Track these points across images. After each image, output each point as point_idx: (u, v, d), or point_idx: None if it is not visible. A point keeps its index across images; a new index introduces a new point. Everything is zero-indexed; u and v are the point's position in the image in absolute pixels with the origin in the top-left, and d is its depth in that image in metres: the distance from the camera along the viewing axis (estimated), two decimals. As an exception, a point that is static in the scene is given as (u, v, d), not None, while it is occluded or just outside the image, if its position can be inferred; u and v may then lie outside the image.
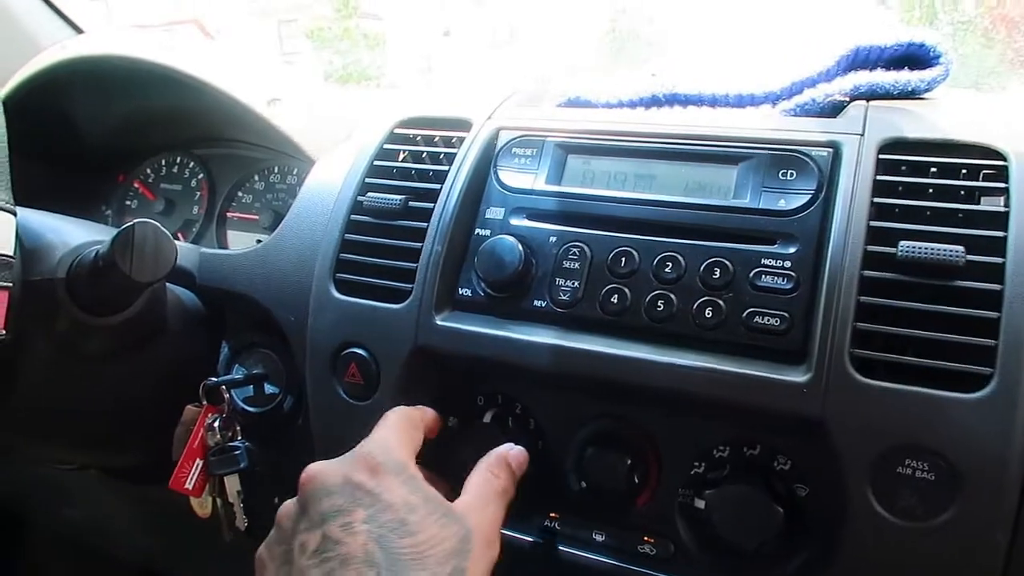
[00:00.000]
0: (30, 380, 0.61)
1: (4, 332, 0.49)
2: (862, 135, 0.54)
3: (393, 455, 0.49)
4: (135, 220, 0.56)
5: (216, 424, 0.68)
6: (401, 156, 0.66)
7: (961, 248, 0.47)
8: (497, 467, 0.53)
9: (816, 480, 0.52)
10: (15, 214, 0.48)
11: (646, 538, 0.56)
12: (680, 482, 0.56)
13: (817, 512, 0.51)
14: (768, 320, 0.51)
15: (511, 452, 0.55)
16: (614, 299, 0.55)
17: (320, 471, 0.48)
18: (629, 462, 0.55)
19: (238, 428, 0.70)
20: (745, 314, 0.51)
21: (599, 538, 0.57)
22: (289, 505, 0.50)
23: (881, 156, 0.52)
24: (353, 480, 0.47)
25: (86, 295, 0.60)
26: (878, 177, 0.51)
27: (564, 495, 0.58)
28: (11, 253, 0.48)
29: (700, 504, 0.54)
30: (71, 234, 0.63)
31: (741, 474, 0.53)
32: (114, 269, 0.55)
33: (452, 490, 0.51)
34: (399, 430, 0.53)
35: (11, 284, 0.48)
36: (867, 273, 0.49)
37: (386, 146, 0.67)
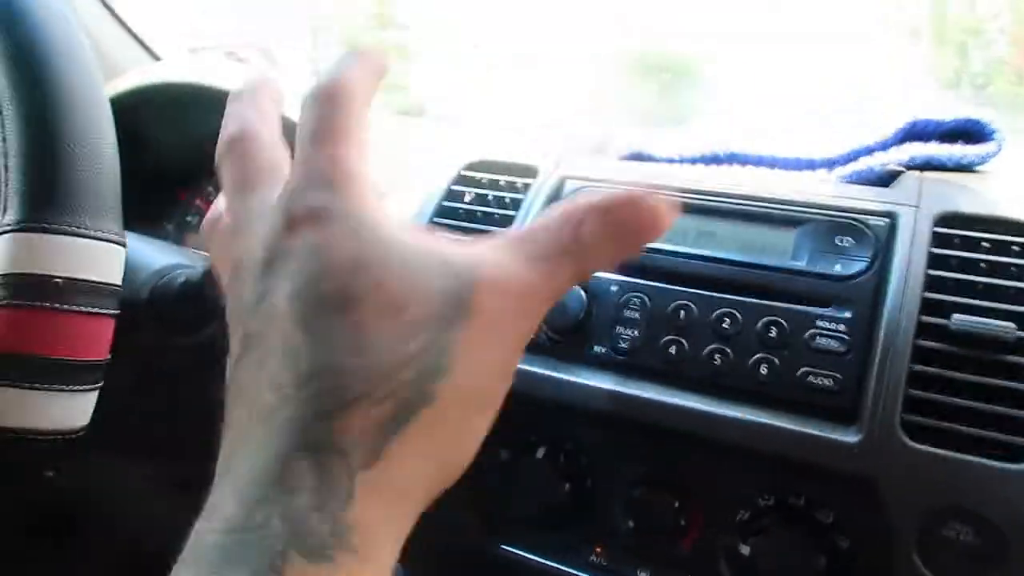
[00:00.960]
0: (112, 400, 0.64)
1: (109, 357, 0.52)
2: (917, 207, 0.56)
3: (342, 192, 0.30)
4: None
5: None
6: (468, 198, 0.70)
7: (1012, 324, 0.49)
8: (583, 212, 0.32)
9: (858, 534, 0.54)
10: (125, 246, 0.52)
11: (690, 579, 0.59)
12: (726, 527, 0.58)
13: (858, 565, 0.54)
14: (821, 380, 0.53)
15: (627, 198, 0.32)
16: (672, 349, 0.58)
17: (254, 231, 0.32)
18: (677, 504, 0.58)
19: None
20: (799, 372, 0.54)
21: (644, 575, 0.60)
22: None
23: (936, 229, 0.55)
24: (279, 243, 0.30)
25: (169, 316, 0.63)
26: (932, 250, 0.54)
27: (612, 532, 0.61)
28: (119, 283, 0.52)
29: (745, 550, 0.56)
30: (153, 256, 0.66)
31: (786, 523, 0.56)
32: (201, 294, 0.59)
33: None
34: (343, 137, 0.31)
35: (117, 311, 0.52)
36: (920, 342, 0.51)
37: (453, 187, 0.71)
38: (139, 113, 0.93)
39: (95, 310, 0.49)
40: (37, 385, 0.46)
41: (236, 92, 0.39)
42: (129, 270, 0.64)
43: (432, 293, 0.28)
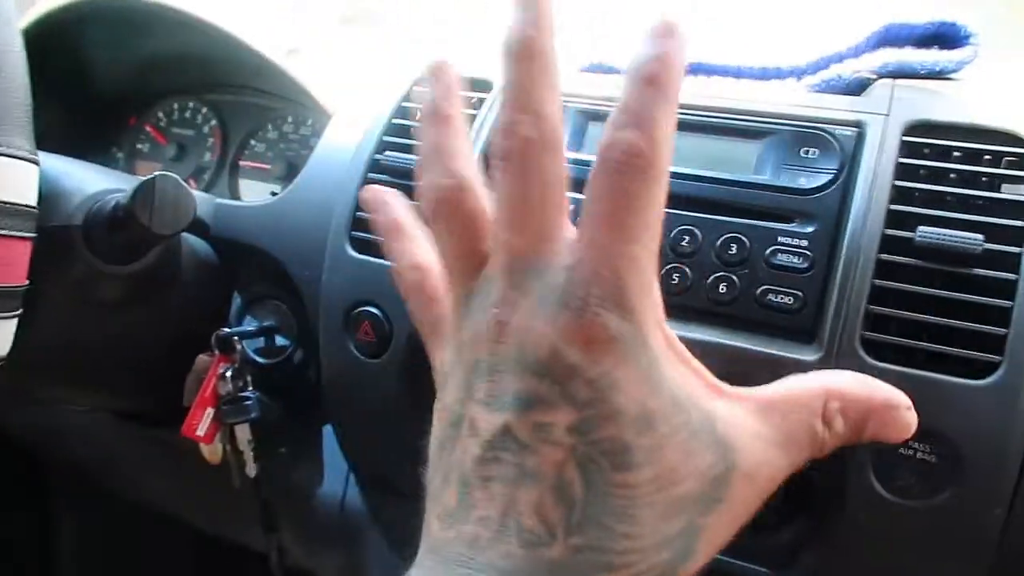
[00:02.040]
0: (44, 325, 0.62)
1: (27, 283, 0.49)
2: (887, 115, 0.53)
3: (635, 315, 0.28)
4: (155, 173, 0.56)
5: (228, 374, 0.69)
6: (419, 115, 0.66)
7: (980, 236, 0.47)
8: (837, 408, 0.31)
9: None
10: (38, 164, 0.48)
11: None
12: (684, 451, 0.57)
13: (815, 485, 0.53)
14: (782, 298, 0.51)
15: (896, 408, 0.32)
16: (629, 270, 0.55)
17: (524, 325, 0.29)
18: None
19: (249, 379, 0.71)
20: (759, 291, 0.52)
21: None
22: (482, 328, 0.30)
23: (905, 138, 0.52)
24: (565, 359, 0.27)
25: (102, 243, 0.60)
26: (900, 160, 0.51)
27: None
28: (34, 204, 0.48)
29: (703, 473, 0.55)
30: (88, 180, 0.63)
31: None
32: (133, 221, 0.55)
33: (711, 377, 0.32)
34: (647, 231, 0.28)
35: (34, 235, 0.49)
36: (883, 257, 0.49)
37: (404, 104, 0.67)
38: (77, 32, 0.88)
39: (7, 232, 0.45)
40: (-58, 312, 0.43)
41: (425, 110, 0.35)
42: (62, 196, 0.60)
43: (701, 471, 0.28)
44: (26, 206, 0.47)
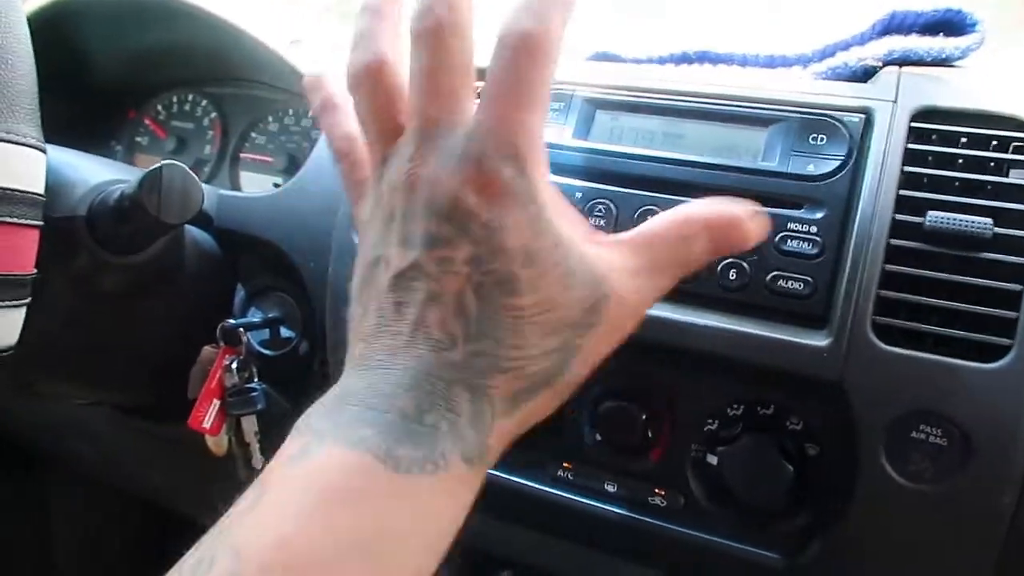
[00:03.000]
0: (47, 316, 0.61)
1: (35, 271, 0.49)
2: (895, 102, 0.53)
3: (526, 169, 0.34)
4: (163, 161, 0.55)
5: (233, 365, 0.69)
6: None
7: (989, 220, 0.48)
8: (696, 232, 0.38)
9: (827, 441, 0.53)
10: (46, 152, 0.48)
11: (657, 490, 0.58)
12: (693, 438, 0.57)
13: (826, 472, 0.53)
14: (792, 284, 0.51)
15: (743, 212, 0.39)
16: (638, 257, 0.55)
17: (432, 176, 0.35)
18: (644, 416, 0.57)
19: (254, 370, 0.70)
20: (769, 277, 0.52)
21: (611, 488, 0.59)
22: (395, 181, 0.36)
23: (913, 124, 0.52)
24: (464, 206, 0.34)
25: (107, 234, 0.60)
26: (909, 145, 0.51)
27: (579, 447, 0.60)
28: (41, 192, 0.48)
29: (712, 460, 0.55)
30: (91, 171, 0.62)
31: (753, 432, 0.55)
32: (139, 209, 0.55)
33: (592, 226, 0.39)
34: (531, 106, 0.34)
35: (42, 223, 0.48)
36: (894, 242, 0.49)
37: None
38: (75, 24, 0.87)
39: (14, 220, 0.45)
40: (-49, 300, 0.43)
41: (363, 5, 0.39)
42: (66, 187, 0.60)
43: (576, 300, 0.35)
44: (34, 194, 0.47)
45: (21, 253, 0.47)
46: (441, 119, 0.35)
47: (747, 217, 0.39)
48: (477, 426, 0.33)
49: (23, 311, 0.49)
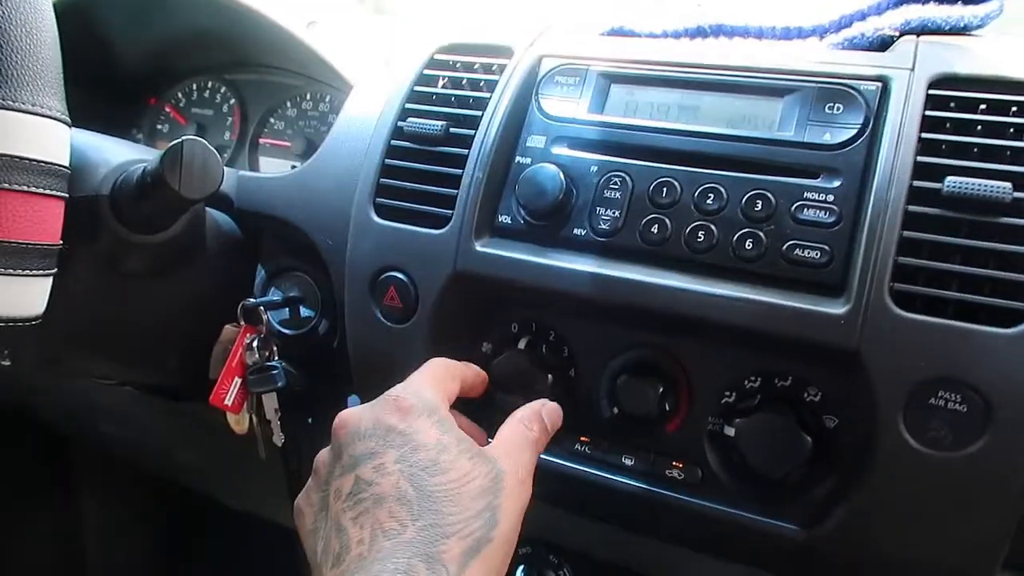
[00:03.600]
0: (72, 294, 0.62)
1: (61, 242, 0.50)
2: (912, 70, 0.53)
3: (424, 397, 0.49)
4: (183, 137, 0.56)
5: (254, 344, 0.70)
6: (441, 83, 0.66)
7: (1008, 185, 0.47)
8: (531, 420, 0.53)
9: (845, 411, 0.53)
10: (70, 125, 0.49)
11: (675, 463, 0.58)
12: (710, 410, 0.57)
13: (844, 442, 0.53)
14: (809, 253, 0.51)
15: (546, 407, 0.55)
16: (654, 229, 0.55)
17: (351, 416, 0.49)
18: (661, 389, 0.57)
19: (275, 349, 0.71)
20: (785, 247, 0.52)
21: (628, 462, 0.59)
22: (324, 454, 0.50)
23: (931, 91, 0.52)
24: (384, 422, 0.47)
25: (129, 213, 0.61)
26: (927, 112, 0.51)
27: (595, 421, 0.60)
28: (66, 164, 0.49)
29: (730, 432, 0.55)
30: (113, 152, 0.63)
31: (771, 404, 0.54)
32: (162, 185, 0.56)
33: (486, 437, 0.53)
34: (433, 376, 0.53)
35: (67, 195, 0.49)
36: (911, 208, 0.49)
37: (426, 71, 0.67)
38: (96, 13, 0.88)
39: (40, 190, 0.46)
40: (-19, 267, 0.43)
41: None
42: (89, 167, 0.61)
43: (484, 472, 0.46)
44: (59, 165, 0.48)
45: (47, 223, 0.47)
46: None
47: (541, 404, 0.55)
48: None
49: (49, 281, 0.49)
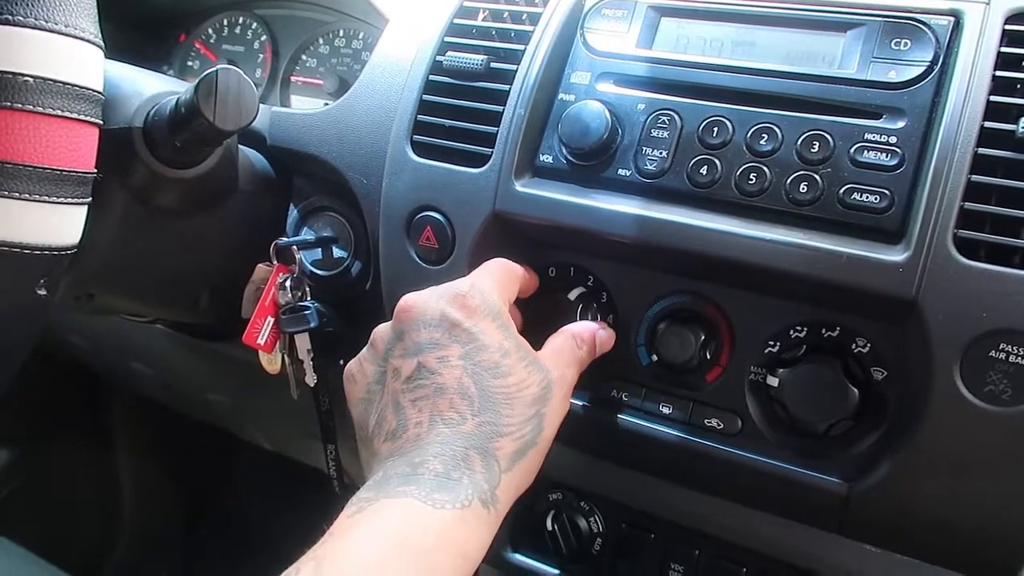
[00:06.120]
0: (105, 228, 0.62)
1: (96, 172, 0.48)
2: (987, 3, 0.50)
3: (489, 299, 0.50)
4: (218, 66, 0.54)
5: (287, 284, 0.69)
6: (482, 15, 0.64)
7: (1091, 127, 0.44)
8: (582, 338, 0.55)
9: (895, 364, 0.51)
10: (103, 48, 0.47)
11: (714, 413, 0.57)
12: (753, 360, 0.55)
13: (892, 395, 0.51)
14: (867, 197, 0.49)
15: (600, 331, 0.57)
16: (703, 170, 0.53)
17: (419, 303, 0.50)
18: (702, 337, 0.55)
19: (307, 289, 0.70)
20: (843, 190, 0.50)
21: (666, 410, 0.58)
22: (384, 329, 0.52)
23: (1007, 26, 0.49)
24: (450, 317, 0.49)
25: (163, 146, 0.59)
26: (1002, 49, 0.48)
27: (633, 369, 0.59)
28: (100, 89, 0.47)
29: (773, 382, 0.54)
30: (147, 84, 0.62)
31: (817, 354, 0.53)
32: (196, 116, 0.55)
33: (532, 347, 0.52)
34: (497, 277, 0.53)
35: (101, 122, 0.48)
36: (981, 151, 0.46)
37: (466, 3, 0.64)
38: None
39: (73, 115, 0.45)
40: (15, 194, 0.42)
41: None
42: (123, 99, 0.60)
43: (537, 381, 0.49)
44: (94, 91, 0.47)
45: (82, 150, 0.46)
46: None
47: (596, 327, 0.57)
48: (489, 479, 0.45)
49: (84, 210, 0.49)
